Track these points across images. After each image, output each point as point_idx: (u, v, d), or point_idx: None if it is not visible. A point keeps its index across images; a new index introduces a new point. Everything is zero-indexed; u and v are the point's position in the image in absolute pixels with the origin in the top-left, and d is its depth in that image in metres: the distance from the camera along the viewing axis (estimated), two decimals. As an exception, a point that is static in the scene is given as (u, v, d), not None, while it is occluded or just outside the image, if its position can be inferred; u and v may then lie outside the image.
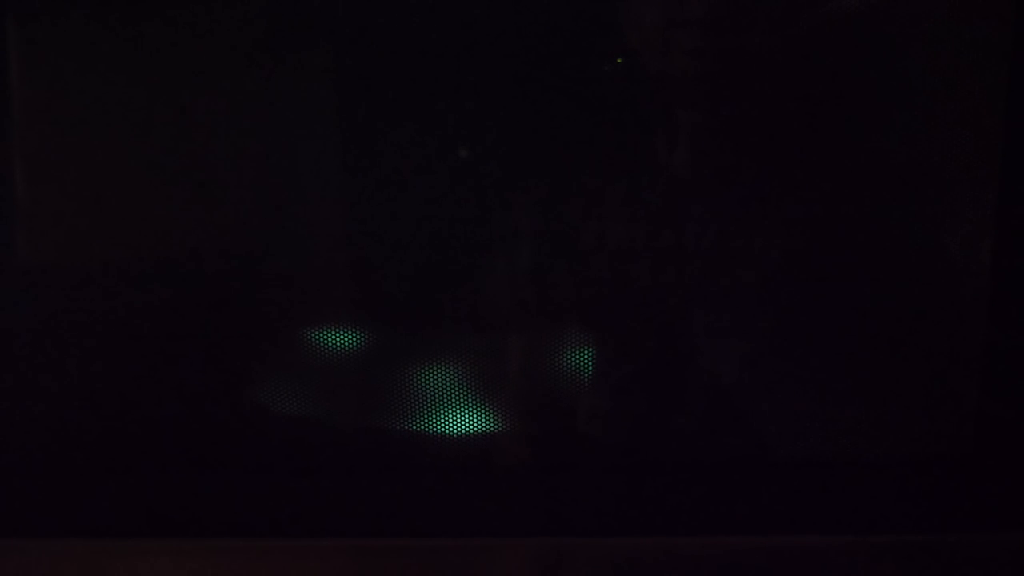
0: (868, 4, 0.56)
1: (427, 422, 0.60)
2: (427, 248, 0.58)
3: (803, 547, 0.57)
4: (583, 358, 0.59)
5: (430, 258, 0.58)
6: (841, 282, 0.59)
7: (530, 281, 0.58)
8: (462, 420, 0.59)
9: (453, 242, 0.58)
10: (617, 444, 0.61)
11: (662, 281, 0.58)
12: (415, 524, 0.59)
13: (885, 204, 0.57)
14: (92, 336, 0.59)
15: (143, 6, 0.55)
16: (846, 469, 0.60)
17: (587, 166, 0.58)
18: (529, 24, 0.56)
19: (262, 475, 0.60)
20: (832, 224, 0.58)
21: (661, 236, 0.58)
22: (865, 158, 0.57)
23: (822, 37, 0.56)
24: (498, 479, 0.60)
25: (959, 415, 0.59)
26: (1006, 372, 0.58)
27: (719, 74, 0.56)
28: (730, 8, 0.56)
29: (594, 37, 0.56)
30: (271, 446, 0.61)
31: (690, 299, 0.59)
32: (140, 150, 0.57)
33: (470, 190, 0.57)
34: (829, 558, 0.57)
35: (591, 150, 0.57)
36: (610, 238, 0.58)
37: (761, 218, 0.58)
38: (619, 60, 0.56)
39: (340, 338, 0.59)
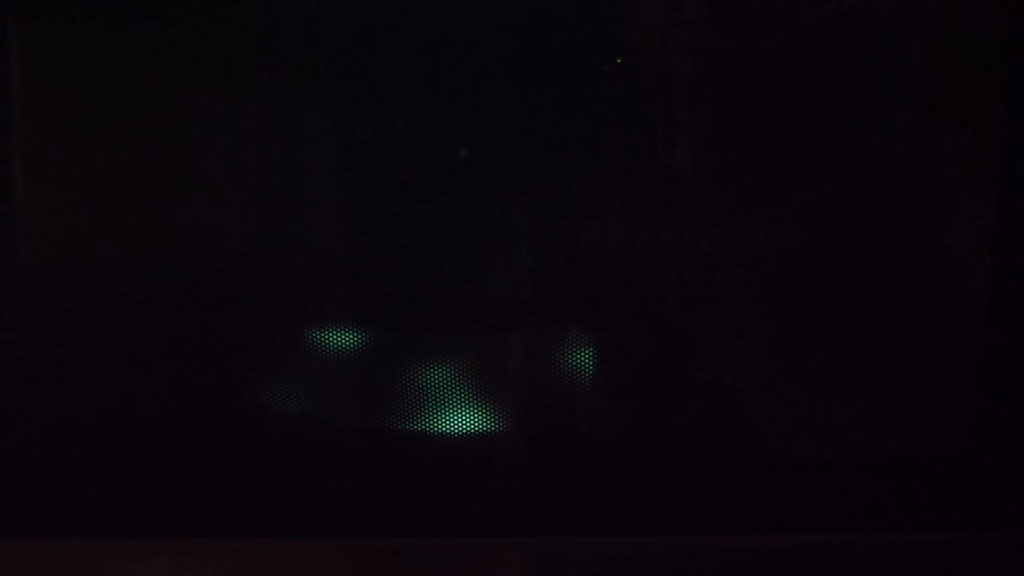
0: (868, 4, 0.56)
1: (427, 422, 0.60)
2: (427, 247, 0.58)
3: (803, 547, 0.57)
4: (583, 358, 0.59)
5: (430, 257, 0.58)
6: (841, 282, 0.59)
7: (530, 280, 0.58)
8: (462, 420, 0.59)
9: (453, 242, 0.58)
10: (617, 444, 0.61)
11: (662, 280, 0.58)
12: (415, 524, 0.59)
13: (885, 204, 0.57)
14: (92, 335, 0.59)
15: (143, 6, 0.56)
16: (846, 469, 0.60)
17: (587, 166, 0.58)
18: (529, 24, 0.56)
19: (262, 475, 0.60)
20: (831, 224, 0.58)
21: (661, 235, 0.58)
22: (865, 158, 0.57)
23: (822, 37, 0.56)
24: (498, 479, 0.60)
25: (959, 415, 0.59)
26: (1006, 372, 0.58)
27: (719, 74, 0.56)
28: (730, 8, 0.56)
29: (594, 37, 0.56)
30: (271, 446, 0.61)
31: (690, 298, 0.59)
32: (140, 150, 0.57)
33: (470, 189, 0.57)
34: (829, 558, 0.57)
35: (591, 149, 0.57)
36: (610, 237, 0.58)
37: (761, 218, 0.58)
38: (619, 60, 0.56)
39: (340, 337, 0.59)
